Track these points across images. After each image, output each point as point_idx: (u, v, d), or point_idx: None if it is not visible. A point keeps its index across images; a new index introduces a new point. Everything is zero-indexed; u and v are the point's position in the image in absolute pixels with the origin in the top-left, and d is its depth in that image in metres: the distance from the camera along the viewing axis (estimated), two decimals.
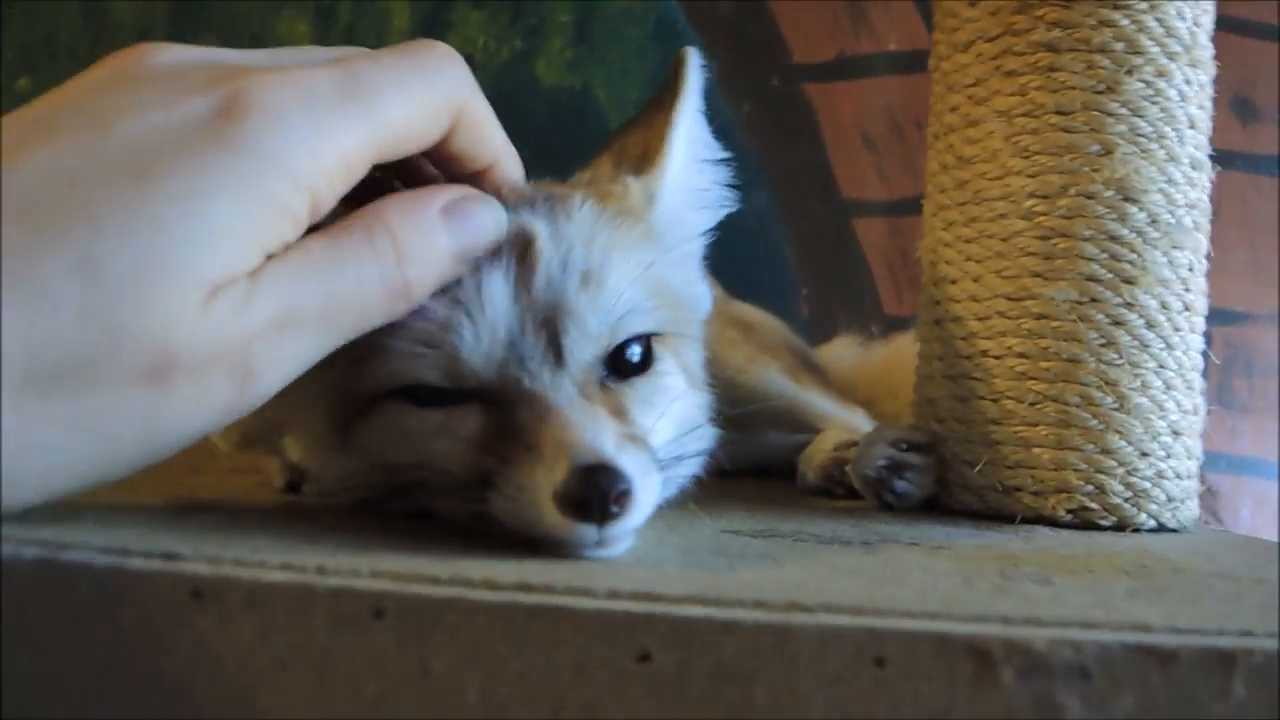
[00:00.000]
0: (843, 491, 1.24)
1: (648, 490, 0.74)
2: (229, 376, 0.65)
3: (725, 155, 1.03)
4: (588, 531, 0.71)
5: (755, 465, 1.46)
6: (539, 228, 0.85)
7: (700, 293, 1.04)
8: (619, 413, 0.81)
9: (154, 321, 0.61)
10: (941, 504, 1.15)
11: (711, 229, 1.05)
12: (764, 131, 2.18)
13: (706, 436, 0.95)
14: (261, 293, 0.66)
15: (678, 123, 0.99)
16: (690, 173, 1.01)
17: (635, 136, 1.01)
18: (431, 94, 0.75)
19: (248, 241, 0.65)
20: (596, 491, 0.70)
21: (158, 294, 0.61)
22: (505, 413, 0.79)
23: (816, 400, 1.49)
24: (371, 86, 0.71)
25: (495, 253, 0.82)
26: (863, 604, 0.57)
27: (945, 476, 1.15)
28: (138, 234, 0.61)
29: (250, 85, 0.66)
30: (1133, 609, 0.63)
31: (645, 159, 0.98)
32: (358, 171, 0.71)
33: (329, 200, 0.69)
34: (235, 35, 2.26)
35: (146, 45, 0.69)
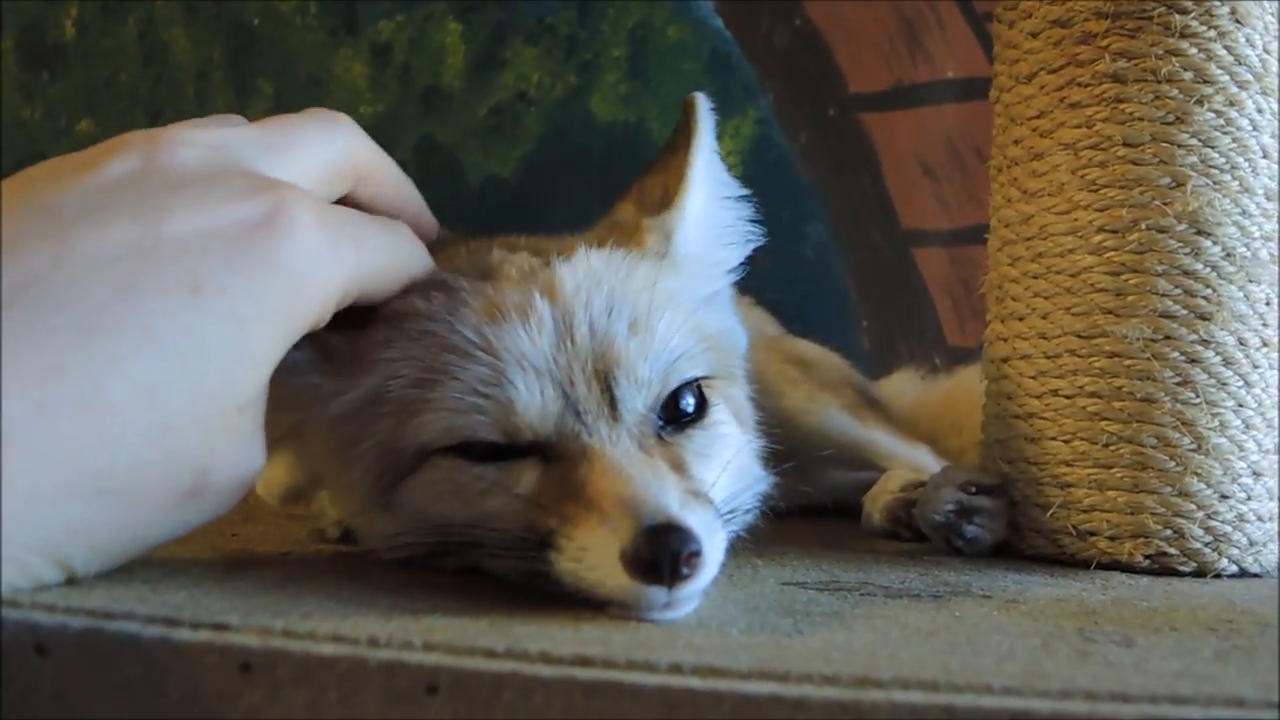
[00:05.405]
0: (910, 535, 1.21)
1: (715, 549, 0.72)
2: (246, 483, 0.72)
3: (744, 192, 1.02)
4: (657, 594, 0.68)
5: (818, 504, 1.43)
6: (572, 275, 0.84)
7: (735, 329, 1.03)
8: (679, 467, 0.79)
9: (201, 449, 0.67)
10: (1013, 548, 1.12)
11: (739, 265, 1.03)
12: (822, 162, 2.14)
13: (763, 484, 0.93)
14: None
15: (694, 162, 0.98)
16: (713, 210, 1.00)
17: (654, 180, 1.01)
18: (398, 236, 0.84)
19: (272, 365, 0.71)
20: (667, 553, 0.67)
21: (207, 422, 0.67)
22: (562, 468, 0.77)
23: (880, 438, 1.45)
24: (355, 227, 0.78)
25: (530, 303, 0.81)
26: (938, 677, 0.54)
27: (1016, 520, 1.11)
28: (191, 358, 0.65)
29: (285, 202, 0.71)
30: (1223, 676, 0.59)
31: (665, 200, 0.97)
32: (345, 303, 0.77)
33: (325, 321, 0.75)
34: (292, 76, 2.27)
35: (163, 135, 0.72)
